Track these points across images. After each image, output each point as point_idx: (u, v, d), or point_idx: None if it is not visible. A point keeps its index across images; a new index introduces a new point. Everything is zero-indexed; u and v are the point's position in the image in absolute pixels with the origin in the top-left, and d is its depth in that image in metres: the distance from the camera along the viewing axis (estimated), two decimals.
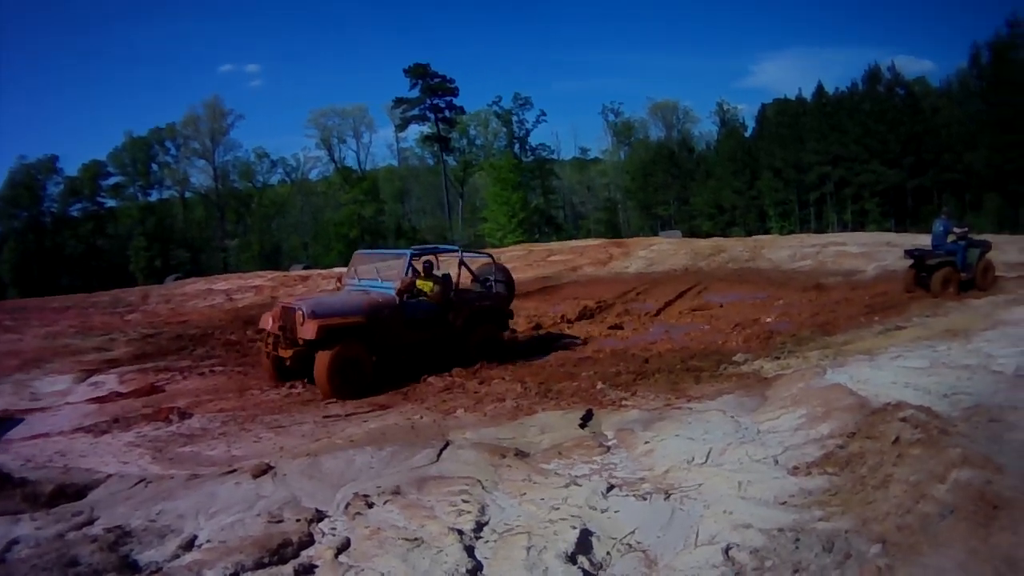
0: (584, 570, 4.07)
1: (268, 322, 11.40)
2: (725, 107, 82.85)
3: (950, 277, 15.87)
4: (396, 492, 5.57)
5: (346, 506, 5.40)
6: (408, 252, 12.21)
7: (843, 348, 10.21)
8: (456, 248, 14.06)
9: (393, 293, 11.37)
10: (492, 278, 13.46)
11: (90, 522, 5.60)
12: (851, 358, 9.06)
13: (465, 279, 13.08)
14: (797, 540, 4.14)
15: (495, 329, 12.73)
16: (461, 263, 12.81)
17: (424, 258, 12.56)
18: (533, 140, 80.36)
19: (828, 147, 63.29)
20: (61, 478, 7.01)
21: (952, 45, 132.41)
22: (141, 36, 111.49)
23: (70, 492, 6.52)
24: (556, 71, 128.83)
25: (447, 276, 12.57)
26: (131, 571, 4.58)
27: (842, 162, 62.71)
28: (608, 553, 4.31)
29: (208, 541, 4.97)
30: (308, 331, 10.35)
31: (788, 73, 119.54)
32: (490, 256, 14.37)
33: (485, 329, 12.35)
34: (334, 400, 9.88)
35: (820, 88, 69.51)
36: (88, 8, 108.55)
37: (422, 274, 12.19)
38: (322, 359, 10.21)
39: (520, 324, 15.99)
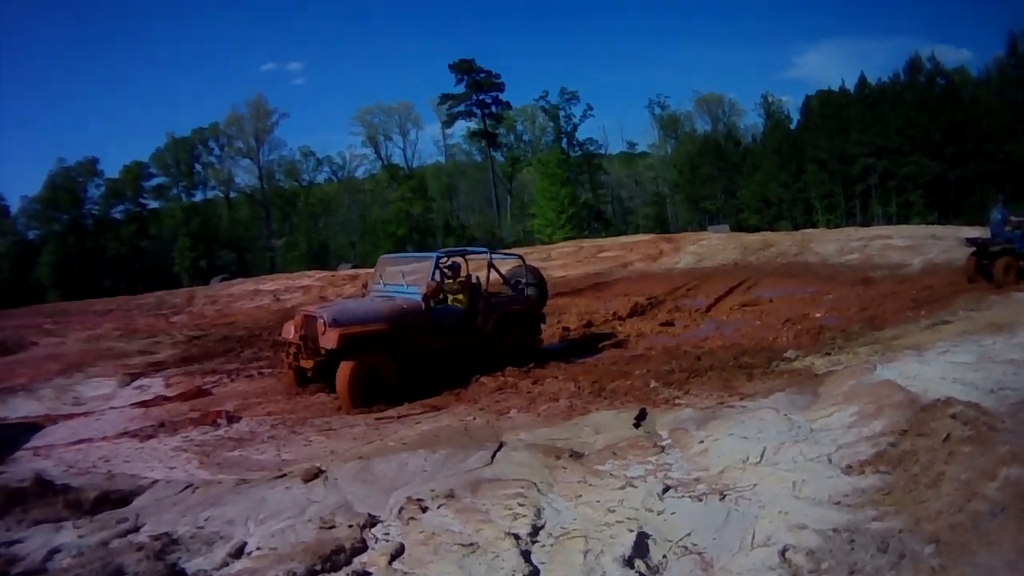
0: (641, 574, 4.03)
1: (290, 331, 11.27)
2: (770, 99, 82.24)
3: (1011, 264, 15.67)
4: (450, 496, 5.52)
5: (399, 510, 5.35)
6: (435, 255, 11.94)
7: (892, 343, 10.08)
8: (484, 250, 13.78)
9: (419, 299, 11.13)
10: (523, 280, 13.33)
11: (135, 529, 5.58)
12: (900, 353, 8.93)
13: (496, 282, 12.85)
14: (852, 541, 4.08)
15: (527, 334, 12.44)
16: (490, 266, 12.49)
17: (451, 260, 12.37)
18: (580, 135, 79.94)
19: (872, 138, 62.53)
20: (105, 484, 7.00)
21: (990, 34, 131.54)
22: (180, 37, 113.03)
23: (114, 498, 6.49)
24: (601, 65, 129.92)
25: (475, 279, 12.36)
26: None
27: (886, 153, 61.95)
28: (664, 556, 4.27)
29: (258, 548, 4.93)
30: (330, 340, 10.14)
31: (831, 64, 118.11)
32: (520, 258, 14.23)
33: (516, 334, 12.10)
34: (357, 411, 9.70)
35: (863, 79, 68.94)
36: (126, 9, 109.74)
37: (446, 277, 12.00)
38: (344, 370, 10.02)
39: (572, 322, 16.23)
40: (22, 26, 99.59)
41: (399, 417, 9.14)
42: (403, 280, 11.91)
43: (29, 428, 10.41)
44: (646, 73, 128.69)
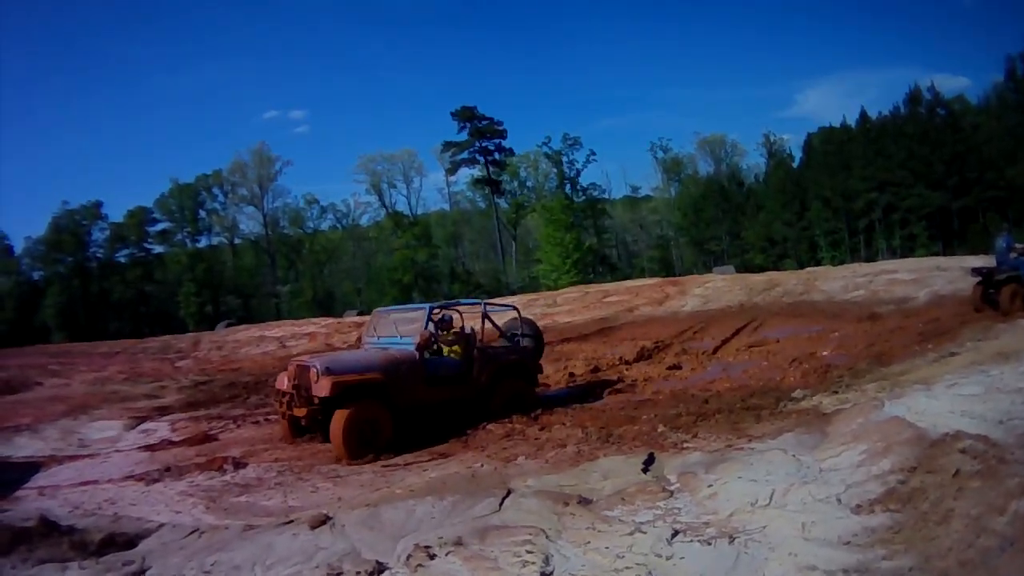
0: None
1: (283, 382, 11.20)
2: (772, 138, 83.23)
3: (1017, 292, 15.64)
4: (458, 543, 5.47)
5: (407, 558, 5.31)
6: (427, 307, 11.98)
7: (899, 379, 10.02)
8: (479, 301, 13.82)
9: (413, 348, 11.14)
10: (519, 331, 13.32)
11: (141, 572, 5.60)
12: (908, 389, 8.87)
13: (491, 333, 12.97)
14: None
15: (524, 384, 12.38)
16: (484, 317, 12.57)
17: (443, 312, 12.39)
18: (584, 180, 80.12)
19: (874, 173, 63.50)
20: (111, 526, 7.01)
21: (987, 59, 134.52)
22: (183, 83, 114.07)
23: (120, 541, 6.48)
24: (602, 110, 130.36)
25: (470, 330, 12.38)
26: None
27: (889, 187, 62.82)
28: None
29: None
30: (323, 388, 10.11)
31: (831, 100, 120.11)
32: (515, 308, 14.15)
33: (513, 384, 12.05)
34: (354, 462, 9.64)
35: (863, 113, 70.49)
36: (129, 54, 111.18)
37: (440, 329, 11.99)
38: (338, 419, 9.96)
39: (579, 367, 16.28)
40: (27, 68, 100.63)
41: (406, 464, 9.17)
42: (396, 331, 11.98)
43: (31, 468, 10.46)
44: (647, 116, 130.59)
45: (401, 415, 10.70)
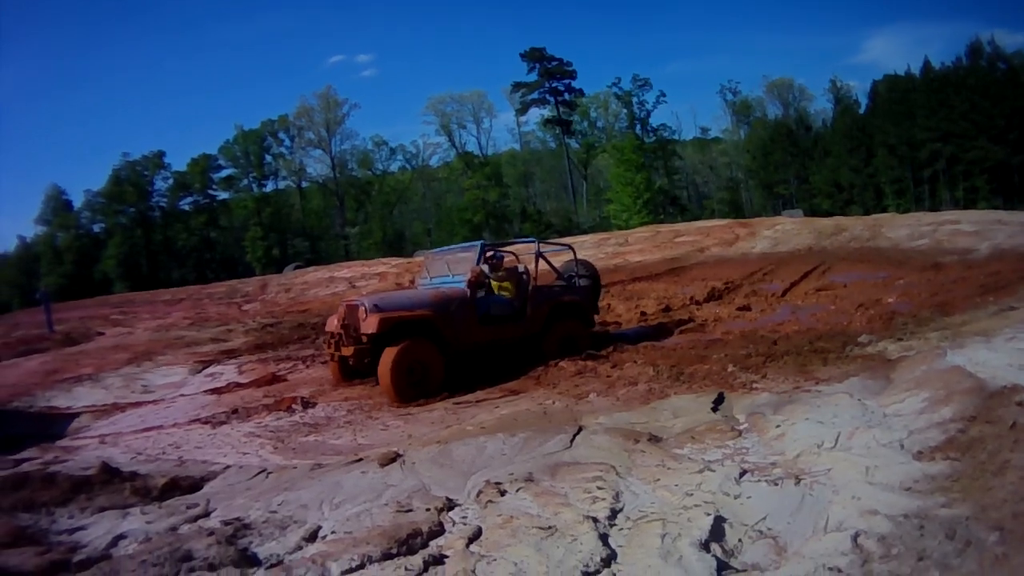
0: (717, 557, 3.99)
1: (333, 323, 11.04)
2: (838, 84, 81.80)
3: None
4: (529, 479, 5.53)
5: (477, 494, 5.36)
6: (479, 244, 11.75)
7: (960, 329, 9.81)
8: (532, 239, 13.30)
9: (464, 286, 10.94)
10: (575, 271, 13.03)
11: (206, 514, 5.65)
12: (968, 339, 8.67)
13: (546, 273, 12.78)
14: (921, 527, 4.00)
15: (579, 326, 12.10)
16: (538, 255, 12.21)
17: (496, 251, 12.13)
18: (654, 121, 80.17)
19: (938, 123, 62.53)
20: (175, 471, 7.10)
21: None
22: (245, 32, 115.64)
23: (184, 485, 6.55)
24: (671, 52, 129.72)
25: (523, 269, 12.19)
26: (249, 564, 4.54)
27: (952, 138, 61.81)
28: (740, 540, 4.23)
29: (332, 532, 4.95)
30: (370, 325, 9.97)
31: (896, 48, 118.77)
32: (571, 248, 13.89)
33: (567, 326, 11.78)
34: (400, 404, 9.55)
35: (927, 63, 69.22)
36: (190, 3, 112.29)
37: (492, 268, 11.76)
38: (387, 357, 9.77)
39: (650, 306, 16.20)
40: (86, 22, 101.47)
41: (477, 402, 9.15)
42: (448, 271, 11.73)
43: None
44: (715, 59, 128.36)
45: (452, 354, 10.61)
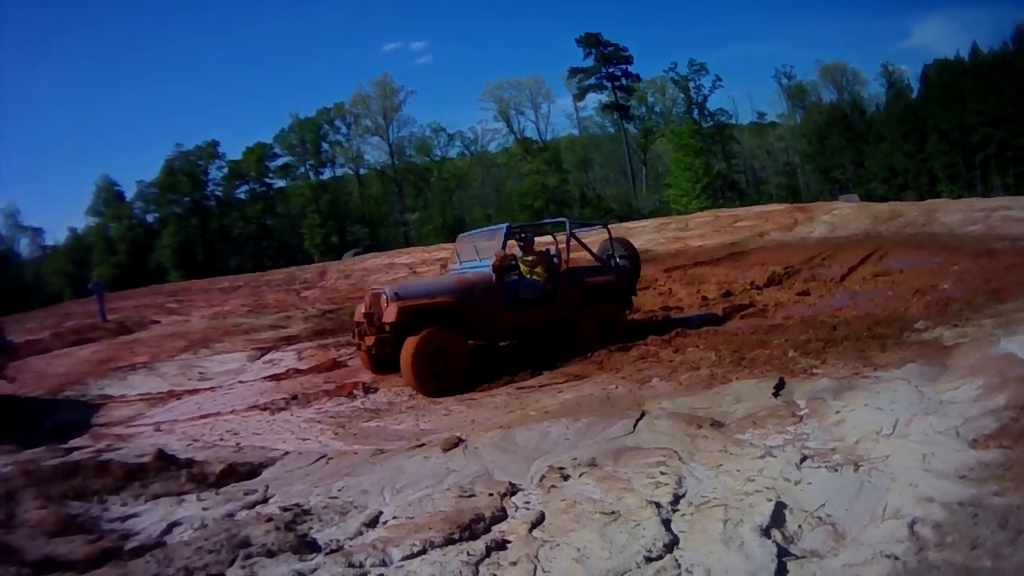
0: (777, 544, 3.99)
1: (359, 312, 10.93)
2: (890, 68, 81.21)
3: None
4: (592, 464, 5.52)
5: (541, 479, 5.37)
6: (505, 226, 11.47)
7: (1014, 316, 9.66)
8: (564, 220, 12.45)
9: (489, 270, 10.65)
10: (613, 253, 12.69)
11: (264, 500, 5.69)
12: (1021, 326, 8.58)
13: (581, 254, 12.61)
14: (975, 515, 3.96)
15: (615, 309, 11.66)
16: (570, 236, 11.77)
17: (524, 232, 11.90)
18: (711, 105, 79.74)
19: (987, 108, 61.75)
20: (232, 457, 7.15)
21: None
22: (297, 22, 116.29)
23: (242, 471, 6.58)
24: (726, 37, 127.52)
25: (553, 251, 12.00)
26: (309, 550, 4.53)
27: (1002, 123, 61.00)
28: (799, 526, 4.21)
29: (394, 517, 4.97)
30: (390, 314, 9.79)
31: (946, 33, 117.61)
32: (606, 228, 13.41)
33: (602, 309, 11.36)
34: (424, 393, 9.50)
35: (975, 48, 68.41)
36: None
37: (523, 250, 11.60)
38: (407, 346, 9.58)
39: (711, 291, 16.21)
40: (134, 14, 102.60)
41: (540, 386, 9.14)
42: (476, 255, 11.47)
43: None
44: (769, 44, 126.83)
45: (478, 340, 10.61)
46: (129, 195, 75.92)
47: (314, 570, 4.21)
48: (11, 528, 5.38)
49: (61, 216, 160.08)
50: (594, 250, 12.82)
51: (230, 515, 5.40)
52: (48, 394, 12.00)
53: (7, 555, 4.75)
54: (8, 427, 9.74)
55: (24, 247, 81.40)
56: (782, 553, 3.90)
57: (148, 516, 5.60)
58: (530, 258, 11.54)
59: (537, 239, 12.14)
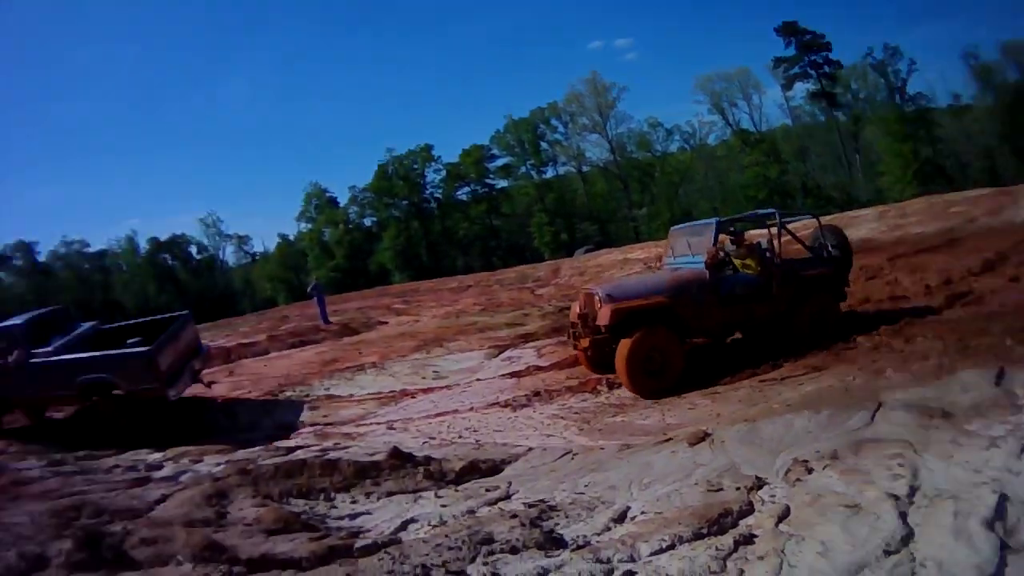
0: (1000, 537, 3.92)
1: (574, 312, 10.95)
2: None
3: None
4: (834, 456, 5.49)
5: (786, 472, 5.39)
6: (714, 221, 11.25)
7: None
8: (772, 212, 12.35)
9: (703, 267, 10.49)
10: (825, 242, 12.14)
11: (506, 497, 5.86)
12: None
13: (793, 245, 12.25)
14: None
15: (830, 300, 11.39)
16: (781, 227, 11.55)
17: (734, 226, 11.73)
18: (910, 89, 74.99)
19: None
20: (472, 454, 7.41)
21: None
22: (499, 25, 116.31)
23: (483, 468, 6.80)
24: (915, 16, 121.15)
25: (764, 244, 11.66)
26: (555, 546, 4.63)
27: None
28: (1019, 519, 4.10)
29: (642, 512, 5.06)
30: (604, 316, 9.81)
31: None
32: (816, 217, 13.06)
33: (817, 301, 11.08)
34: (638, 396, 9.46)
35: None
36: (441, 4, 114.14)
37: (732, 245, 11.38)
38: (621, 348, 9.61)
39: (932, 278, 15.56)
40: (338, 23, 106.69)
41: (782, 379, 9.16)
42: (689, 250, 11.35)
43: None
44: (954, 22, 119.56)
45: (694, 339, 10.52)
46: (342, 201, 78.77)
47: (560, 566, 4.32)
48: (222, 526, 5.69)
49: (267, 225, 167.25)
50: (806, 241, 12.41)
51: (471, 512, 5.58)
52: (267, 395, 12.67)
53: (215, 553, 4.97)
54: (221, 428, 10.29)
55: (230, 255, 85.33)
56: (1003, 546, 3.82)
57: (380, 514, 5.86)
58: (742, 251, 11.35)
59: (748, 232, 11.97)
